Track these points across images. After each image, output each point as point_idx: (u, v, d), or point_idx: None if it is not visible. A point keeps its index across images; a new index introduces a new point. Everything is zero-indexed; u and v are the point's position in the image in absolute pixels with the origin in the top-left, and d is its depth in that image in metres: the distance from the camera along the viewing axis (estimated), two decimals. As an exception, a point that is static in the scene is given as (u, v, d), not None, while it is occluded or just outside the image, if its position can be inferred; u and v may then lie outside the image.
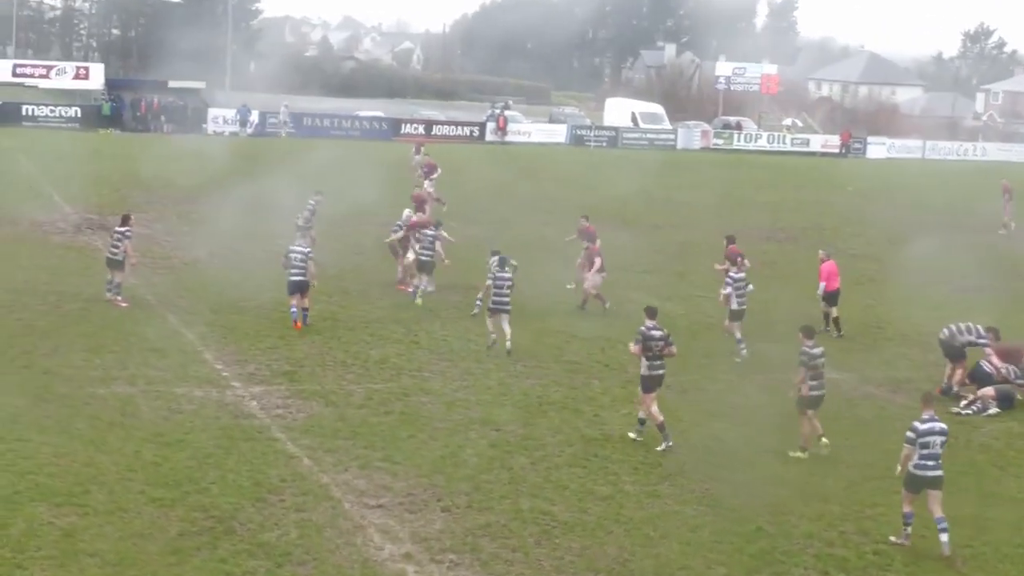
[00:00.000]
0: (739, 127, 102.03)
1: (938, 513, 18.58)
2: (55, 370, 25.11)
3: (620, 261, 40.40)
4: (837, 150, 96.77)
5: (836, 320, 32.74)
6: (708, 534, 18.77)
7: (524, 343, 29.70)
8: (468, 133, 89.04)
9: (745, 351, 29.59)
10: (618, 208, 55.55)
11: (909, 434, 18.60)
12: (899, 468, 18.76)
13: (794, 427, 23.04)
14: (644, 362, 22.62)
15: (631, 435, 22.89)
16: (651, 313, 23.14)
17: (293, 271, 30.00)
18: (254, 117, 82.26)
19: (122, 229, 31.51)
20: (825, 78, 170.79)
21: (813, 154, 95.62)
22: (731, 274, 30.44)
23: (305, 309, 30.14)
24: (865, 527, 19.48)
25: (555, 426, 23.54)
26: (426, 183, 49.31)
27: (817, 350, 22.54)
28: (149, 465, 19.99)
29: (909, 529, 18.82)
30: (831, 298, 32.72)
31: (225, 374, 25.69)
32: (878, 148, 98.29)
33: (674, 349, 23.13)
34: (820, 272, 32.79)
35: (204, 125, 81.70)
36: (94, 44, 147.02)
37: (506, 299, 28.75)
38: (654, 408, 22.51)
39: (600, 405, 25.08)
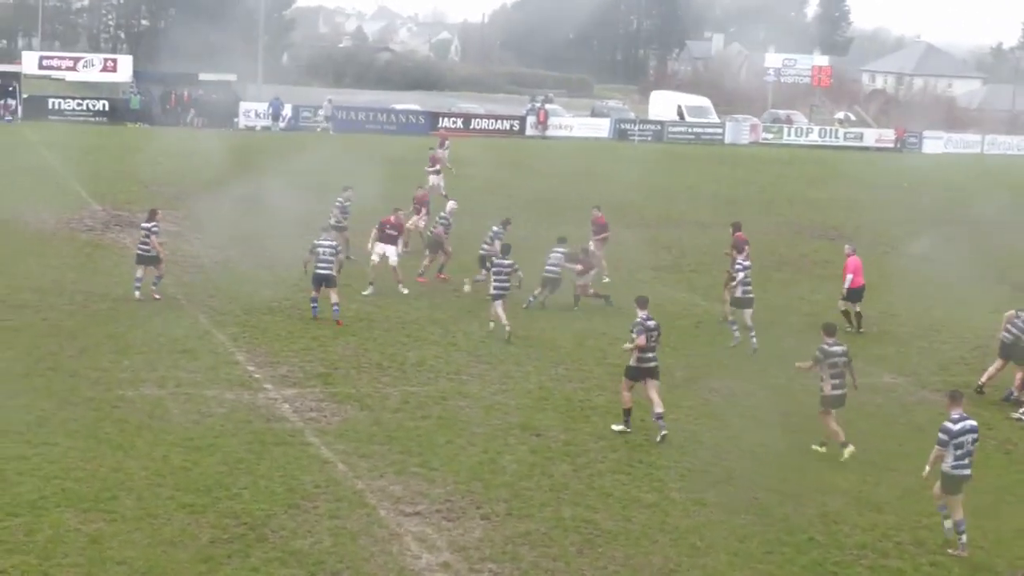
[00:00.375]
0: (789, 121, 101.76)
1: (959, 515, 18.69)
2: (82, 372, 25.25)
3: (666, 260, 40.39)
4: (892, 145, 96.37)
5: (858, 315, 32.69)
6: (757, 544, 18.70)
7: (566, 345, 29.70)
8: (508, 127, 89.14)
9: (739, 335, 30.33)
10: (664, 205, 55.48)
11: (942, 436, 18.57)
12: (927, 469, 18.76)
13: (848, 434, 22.94)
14: (636, 353, 23.12)
15: (660, 438, 22.95)
16: (642, 303, 23.59)
17: (320, 264, 30.49)
18: (287, 111, 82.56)
19: (149, 224, 31.88)
20: (879, 70, 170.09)
21: (867, 149, 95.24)
22: (739, 261, 30.85)
23: (335, 304, 30.49)
24: (921, 537, 19.36)
25: (598, 431, 23.51)
26: (433, 177, 49.42)
27: (837, 348, 22.73)
28: (179, 470, 20.08)
29: (964, 538, 18.76)
30: (855, 295, 32.73)
31: (257, 376, 25.77)
32: (935, 143, 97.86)
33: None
34: (845, 267, 32.87)
35: (235, 119, 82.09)
36: (122, 35, 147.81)
37: (506, 285, 30.08)
38: (627, 394, 23.31)
39: (645, 410, 24.93)
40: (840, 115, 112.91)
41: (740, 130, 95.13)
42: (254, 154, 64.40)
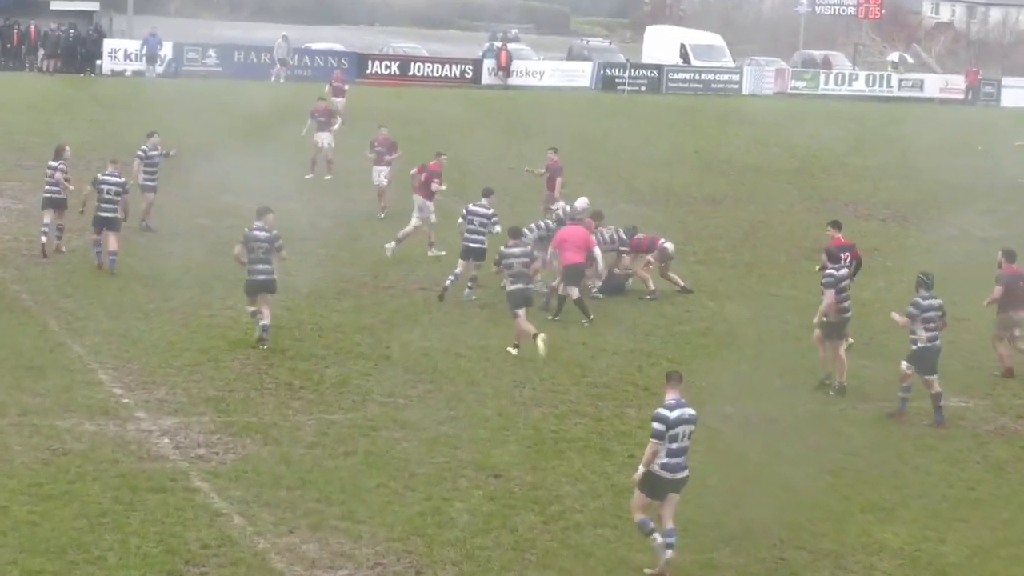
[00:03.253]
0: (827, 64, 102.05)
1: (669, 523, 19.66)
2: None
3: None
4: (961, 95, 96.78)
5: (561, 300, 32.94)
6: (783, 619, 18.81)
7: (533, 357, 29.69)
8: (458, 74, 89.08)
9: (471, 293, 34.01)
10: (663, 176, 55.57)
11: (657, 426, 19.49)
12: (640, 470, 19.68)
13: (901, 475, 23.10)
14: (247, 266, 29.09)
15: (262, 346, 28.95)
16: (259, 213, 29.47)
17: (104, 206, 34.31)
18: (166, 51, 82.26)
19: (56, 163, 35.65)
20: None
21: (929, 100, 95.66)
22: (470, 206, 34.68)
23: (113, 254, 34.08)
24: (997, 609, 19.50)
25: (575, 471, 23.54)
26: (322, 136, 49.11)
27: (516, 250, 30.20)
28: (23, 525, 19.99)
29: (659, 538, 19.56)
30: (572, 275, 32.95)
31: (126, 401, 25.68)
32: (1016, 92, 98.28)
33: (284, 253, 29.64)
34: (554, 239, 33.51)
35: (99, 62, 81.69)
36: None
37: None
38: (250, 309, 29.27)
39: (636, 442, 25.01)
40: (894, 56, 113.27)
41: (762, 76, 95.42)
42: (124, 107, 64.15)
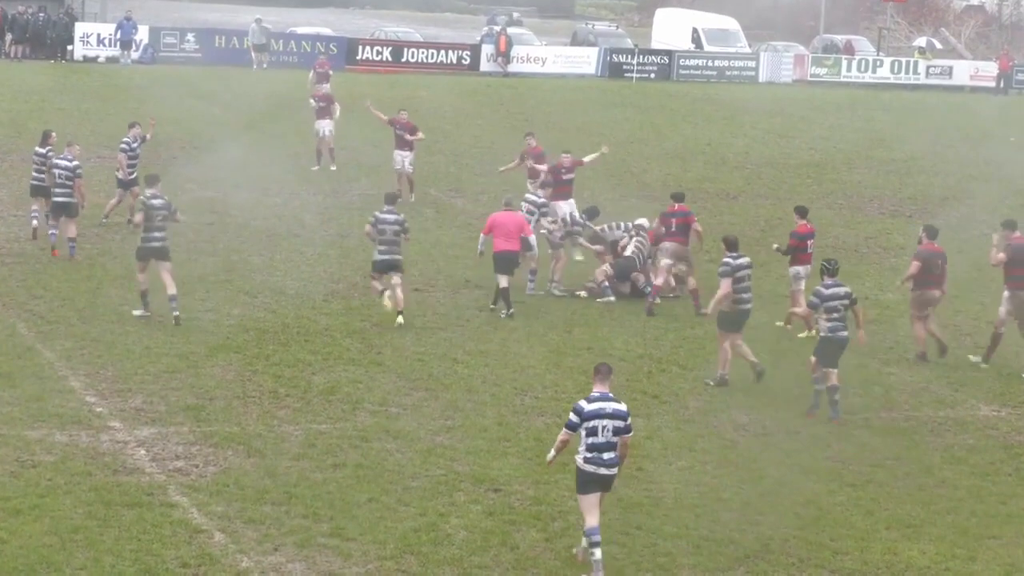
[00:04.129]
0: (849, 50, 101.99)
1: (592, 521, 20.00)
2: None
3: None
4: (992, 83, 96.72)
5: (504, 292, 33.17)
6: (802, 643, 18.84)
7: (536, 365, 29.71)
8: (455, 60, 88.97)
9: (533, 287, 34.92)
10: (674, 169, 55.54)
11: (572, 416, 20.14)
12: (552, 454, 20.64)
13: (928, 488, 23.13)
14: (142, 234, 30.93)
15: (136, 313, 30.95)
16: (150, 181, 31.39)
17: (57, 190, 35.82)
18: (141, 35, 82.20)
19: (43, 150, 36.88)
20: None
21: (958, 88, 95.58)
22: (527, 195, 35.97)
23: (72, 240, 35.67)
24: (1031, 632, 19.53)
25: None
26: (323, 124, 49.20)
27: (389, 217, 31.64)
28: (-10, 542, 20.05)
29: (598, 552, 19.78)
30: (501, 262, 33.23)
31: (100, 410, 25.70)
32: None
33: (180, 216, 31.84)
34: (487, 224, 33.87)
35: (70, 47, 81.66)
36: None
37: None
38: (140, 276, 31.05)
39: (645, 454, 25.06)
40: (921, 41, 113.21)
41: (780, 63, 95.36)
42: (97, 96, 64.17)
